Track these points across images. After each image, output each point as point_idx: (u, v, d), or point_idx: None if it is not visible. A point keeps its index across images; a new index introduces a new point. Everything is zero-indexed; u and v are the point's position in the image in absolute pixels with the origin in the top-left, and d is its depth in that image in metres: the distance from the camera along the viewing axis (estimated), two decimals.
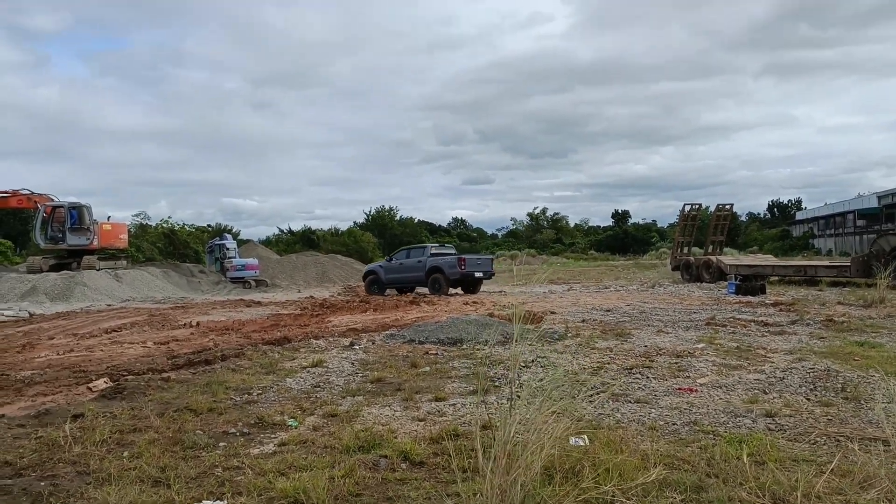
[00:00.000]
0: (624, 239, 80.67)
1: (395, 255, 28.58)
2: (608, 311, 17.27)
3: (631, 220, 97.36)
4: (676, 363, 9.49)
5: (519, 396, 4.45)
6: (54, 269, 31.81)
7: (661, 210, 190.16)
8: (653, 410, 6.90)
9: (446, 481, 4.86)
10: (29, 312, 21.98)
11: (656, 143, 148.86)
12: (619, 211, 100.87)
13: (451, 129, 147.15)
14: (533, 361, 9.48)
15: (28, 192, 33.49)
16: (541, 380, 4.68)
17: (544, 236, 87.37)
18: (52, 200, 33.27)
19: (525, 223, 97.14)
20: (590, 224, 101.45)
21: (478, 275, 26.07)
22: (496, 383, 8.34)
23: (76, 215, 32.76)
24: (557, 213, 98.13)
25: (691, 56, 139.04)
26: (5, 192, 33.61)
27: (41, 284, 28.53)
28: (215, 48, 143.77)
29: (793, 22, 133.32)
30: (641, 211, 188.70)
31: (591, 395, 7.37)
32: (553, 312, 16.89)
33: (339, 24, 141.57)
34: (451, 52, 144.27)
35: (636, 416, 6.71)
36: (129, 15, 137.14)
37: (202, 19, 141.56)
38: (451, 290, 26.19)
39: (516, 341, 4.64)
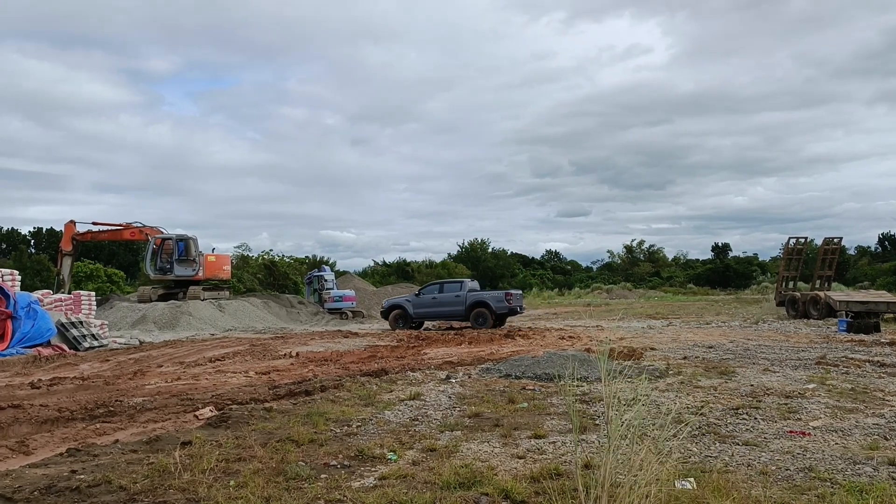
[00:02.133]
0: (725, 273, 77.96)
1: (425, 289, 28.59)
2: (710, 347, 16.74)
3: (731, 254, 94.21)
4: (786, 404, 9.08)
5: (609, 437, 4.34)
6: (162, 298, 33.07)
7: (762, 243, 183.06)
8: (763, 454, 6.61)
9: None
10: (139, 340, 22.99)
11: (759, 174, 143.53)
12: (719, 244, 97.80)
13: (547, 161, 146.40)
14: (633, 399, 9.23)
15: (140, 225, 35.00)
16: (643, 419, 4.55)
17: (641, 269, 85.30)
18: (162, 233, 34.64)
19: (621, 256, 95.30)
20: (688, 257, 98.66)
21: (519, 309, 26.83)
22: (597, 422, 8.17)
23: (183, 247, 33.99)
24: (654, 246, 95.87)
25: (796, 85, 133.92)
26: (119, 226, 35.29)
27: (150, 313, 29.77)
28: (315, 86, 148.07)
29: None
30: (742, 244, 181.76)
31: (695, 436, 7.15)
32: (653, 349, 16.49)
33: (435, 62, 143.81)
34: (547, 86, 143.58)
35: (745, 459, 6.44)
36: (235, 56, 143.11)
37: (303, 59, 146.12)
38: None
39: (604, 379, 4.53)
